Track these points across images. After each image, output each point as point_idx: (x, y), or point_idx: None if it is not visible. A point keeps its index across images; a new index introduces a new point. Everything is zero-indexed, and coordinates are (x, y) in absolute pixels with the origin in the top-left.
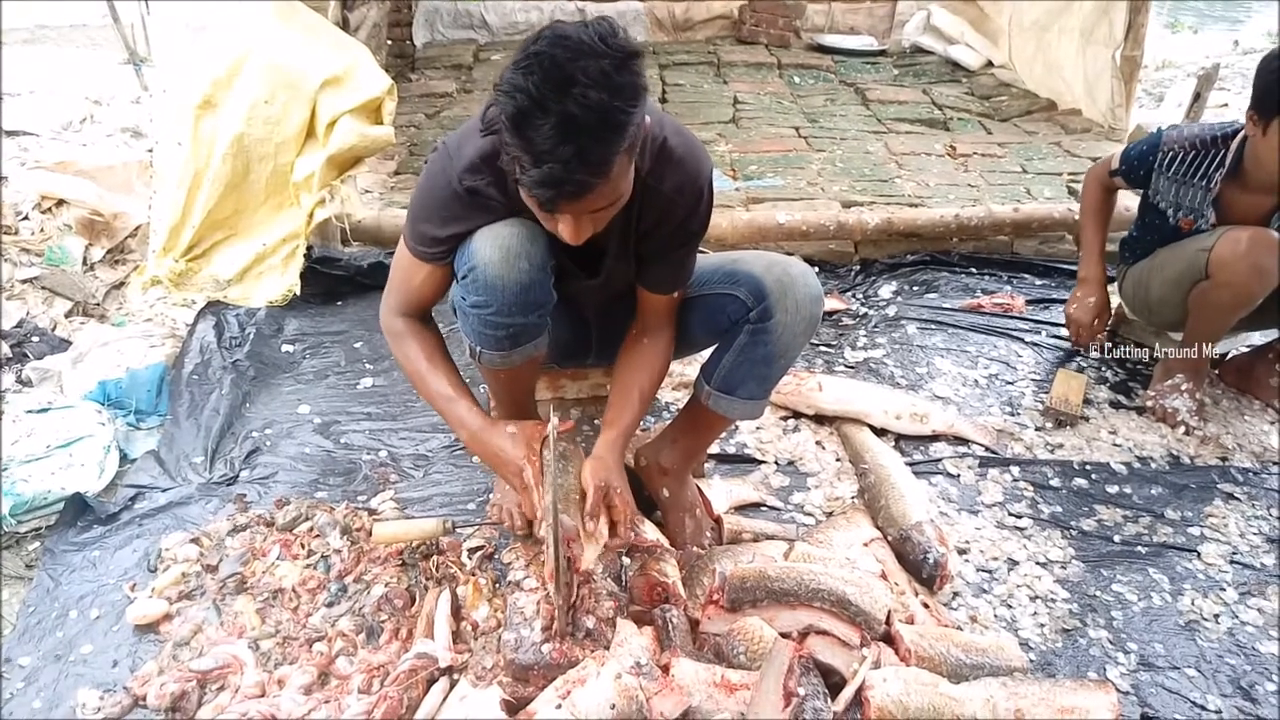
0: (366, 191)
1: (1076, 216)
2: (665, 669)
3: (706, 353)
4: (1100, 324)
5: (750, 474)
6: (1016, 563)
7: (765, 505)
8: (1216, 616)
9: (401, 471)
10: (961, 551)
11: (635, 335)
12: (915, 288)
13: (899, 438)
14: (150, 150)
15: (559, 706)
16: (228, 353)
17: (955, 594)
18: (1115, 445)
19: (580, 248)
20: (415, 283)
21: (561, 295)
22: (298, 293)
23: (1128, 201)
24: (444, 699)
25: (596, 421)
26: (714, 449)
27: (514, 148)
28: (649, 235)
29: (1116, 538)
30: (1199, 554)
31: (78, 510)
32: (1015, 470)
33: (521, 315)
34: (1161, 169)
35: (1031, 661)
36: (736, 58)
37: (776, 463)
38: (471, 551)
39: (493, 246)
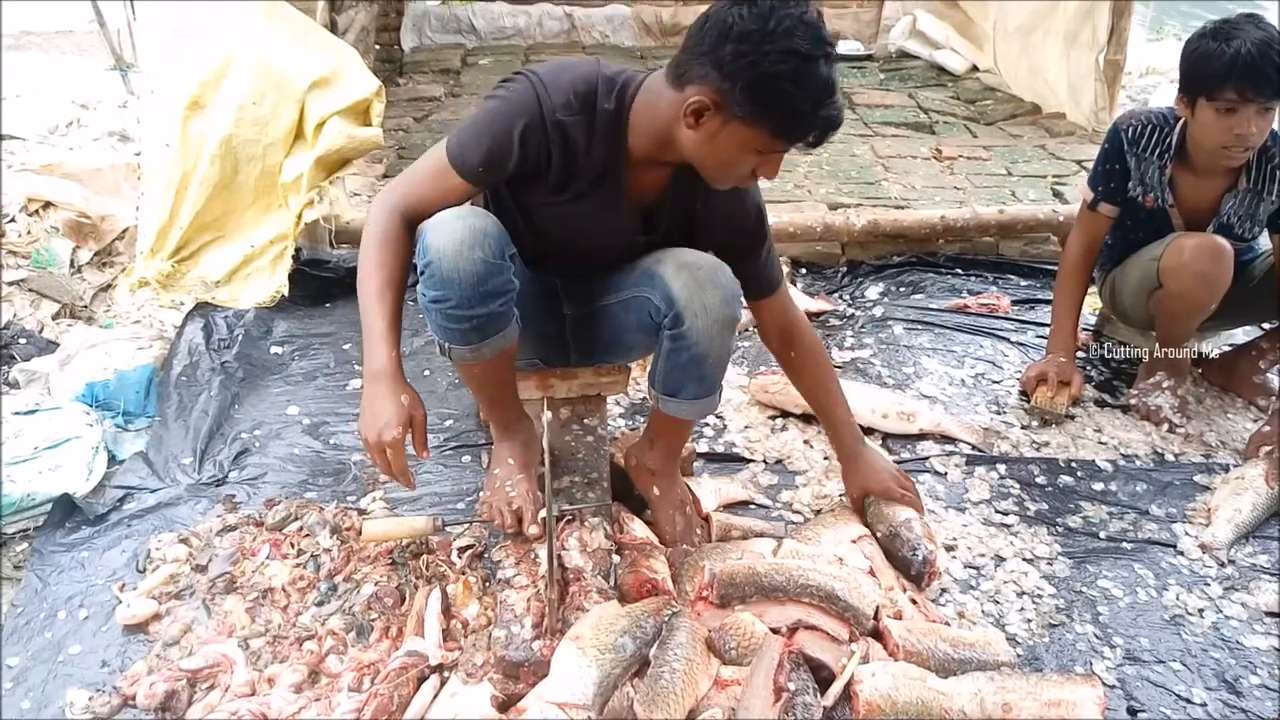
0: (355, 194)
1: (1060, 219)
2: None
3: None
4: (1059, 383)
5: (739, 472)
6: (1003, 559)
7: (754, 503)
8: (1201, 611)
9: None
10: (949, 548)
11: (785, 360)
12: (902, 288)
13: (886, 436)
14: (138, 153)
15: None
16: (216, 354)
17: (943, 590)
18: (1100, 443)
19: (639, 208)
20: (439, 190)
21: (540, 292)
22: (286, 294)
23: None
24: (434, 696)
25: (587, 421)
26: (702, 448)
27: (797, 99)
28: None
29: (1102, 534)
30: (1182, 550)
31: (66, 511)
32: (1002, 468)
33: (482, 306)
34: (1129, 146)
35: (1018, 656)
36: None
37: (765, 461)
38: (461, 550)
39: (445, 239)
